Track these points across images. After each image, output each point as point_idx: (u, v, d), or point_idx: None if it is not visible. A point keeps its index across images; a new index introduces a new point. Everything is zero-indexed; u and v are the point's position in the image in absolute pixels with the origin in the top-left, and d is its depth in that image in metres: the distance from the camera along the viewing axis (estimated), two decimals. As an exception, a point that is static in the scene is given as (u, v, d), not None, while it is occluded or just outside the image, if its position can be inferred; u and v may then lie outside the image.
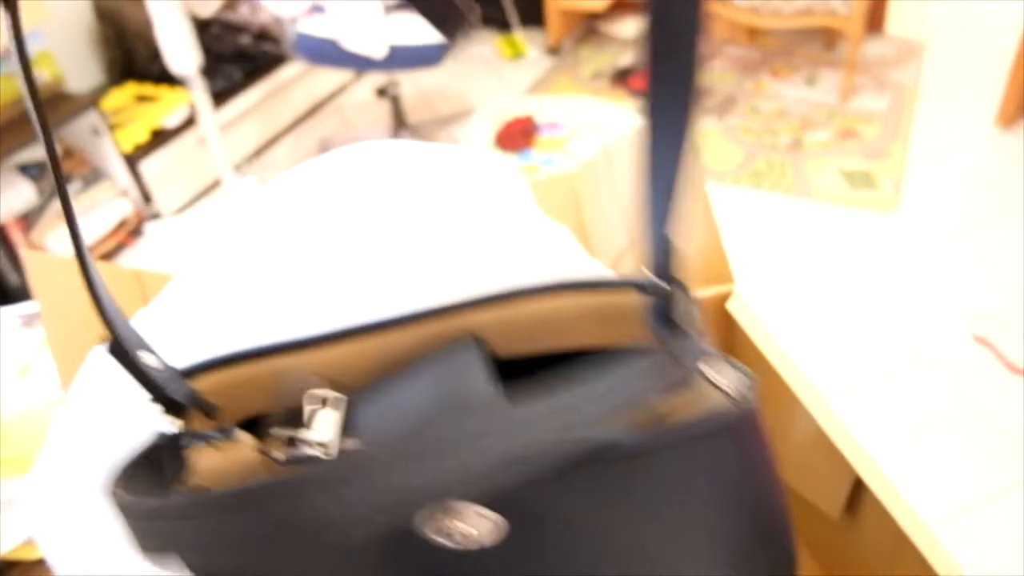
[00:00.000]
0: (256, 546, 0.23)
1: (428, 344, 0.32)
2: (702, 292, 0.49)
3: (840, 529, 0.44)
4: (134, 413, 0.36)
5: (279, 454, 0.32)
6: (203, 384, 0.32)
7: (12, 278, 1.94)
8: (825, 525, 0.46)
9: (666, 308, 0.28)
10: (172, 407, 0.31)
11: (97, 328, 0.42)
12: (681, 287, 0.29)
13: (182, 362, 0.33)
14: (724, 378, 0.29)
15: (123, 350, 0.29)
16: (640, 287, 0.32)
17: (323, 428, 0.31)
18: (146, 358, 0.30)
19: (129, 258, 2.13)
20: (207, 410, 0.32)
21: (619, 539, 0.29)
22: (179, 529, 0.25)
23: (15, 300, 0.77)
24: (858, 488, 0.42)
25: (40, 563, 0.57)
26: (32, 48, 1.90)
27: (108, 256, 2.12)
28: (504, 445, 0.23)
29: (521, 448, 0.23)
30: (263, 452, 0.32)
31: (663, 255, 0.27)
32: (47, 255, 0.53)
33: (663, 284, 0.28)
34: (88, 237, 2.06)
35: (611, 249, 0.62)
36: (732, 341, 0.50)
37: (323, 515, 0.22)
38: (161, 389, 0.30)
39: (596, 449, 0.24)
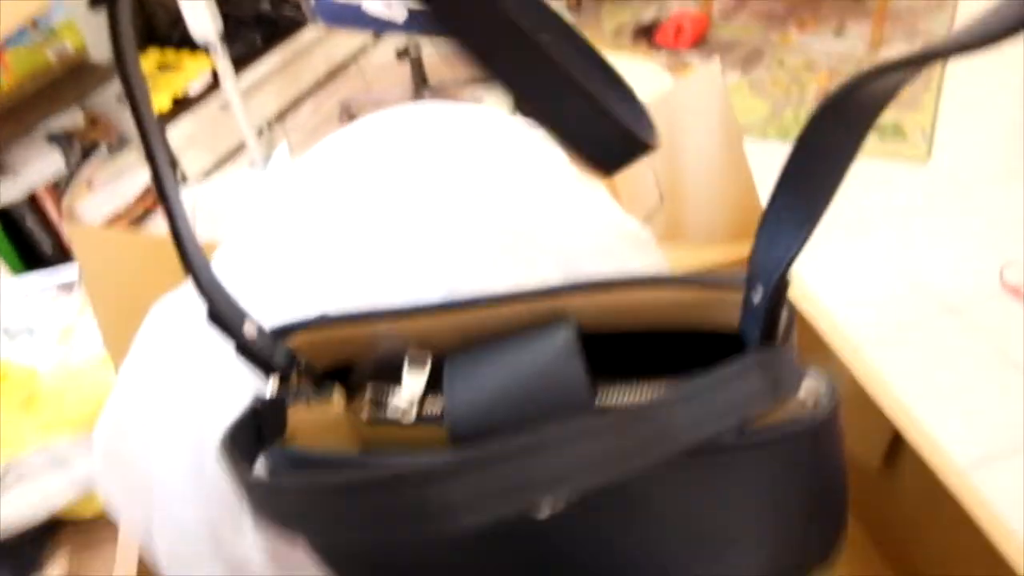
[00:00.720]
0: (370, 526, 0.23)
1: (520, 321, 0.33)
2: (737, 248, 0.49)
3: (878, 480, 0.44)
4: (200, 366, 0.37)
5: (365, 414, 0.33)
6: (299, 340, 0.34)
7: (45, 245, 1.97)
8: (863, 476, 0.46)
9: (764, 317, 0.29)
10: (271, 371, 0.32)
11: (142, 296, 0.43)
12: (790, 305, 0.30)
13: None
14: (807, 383, 0.31)
15: (221, 318, 0.30)
16: (741, 287, 0.33)
17: (412, 391, 0.33)
18: (245, 326, 0.31)
19: (157, 224, 2.15)
20: (305, 370, 0.33)
21: (680, 519, 0.31)
22: (292, 504, 0.25)
23: (48, 266, 0.78)
24: (896, 439, 0.42)
25: (93, 521, 0.59)
26: (55, 19, 1.90)
27: (136, 222, 2.14)
28: (619, 441, 0.24)
29: (639, 445, 0.24)
30: (351, 412, 0.33)
31: (778, 269, 0.28)
32: (90, 228, 0.54)
33: (774, 302, 0.29)
34: (115, 204, 2.08)
35: (642, 207, 0.61)
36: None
37: (444, 502, 0.22)
38: (260, 355, 0.31)
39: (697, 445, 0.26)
